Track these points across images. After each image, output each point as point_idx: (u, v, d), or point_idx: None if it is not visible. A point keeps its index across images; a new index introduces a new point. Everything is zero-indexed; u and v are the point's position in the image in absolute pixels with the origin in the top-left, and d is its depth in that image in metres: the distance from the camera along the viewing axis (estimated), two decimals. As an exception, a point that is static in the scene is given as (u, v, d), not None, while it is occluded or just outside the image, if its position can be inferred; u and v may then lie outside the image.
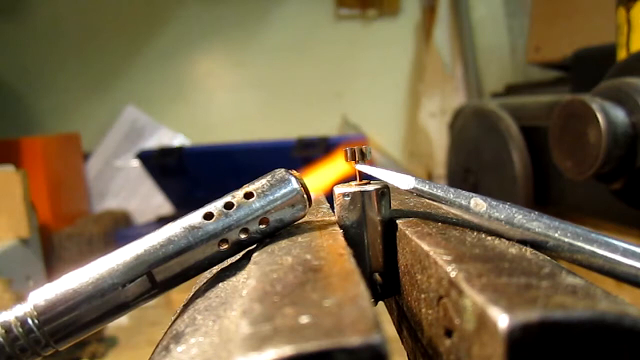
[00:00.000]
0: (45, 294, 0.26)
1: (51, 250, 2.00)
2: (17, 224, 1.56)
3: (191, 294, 0.29)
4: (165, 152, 2.06)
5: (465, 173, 1.44)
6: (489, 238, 0.22)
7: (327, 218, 0.30)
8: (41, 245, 1.76)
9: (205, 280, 0.29)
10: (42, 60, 2.58)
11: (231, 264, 0.29)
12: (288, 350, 0.10)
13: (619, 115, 0.77)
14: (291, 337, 0.11)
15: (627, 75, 0.80)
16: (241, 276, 0.26)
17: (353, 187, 0.29)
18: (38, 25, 2.57)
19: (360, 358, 0.10)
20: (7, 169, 1.58)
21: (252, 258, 0.24)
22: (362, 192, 0.28)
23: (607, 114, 0.76)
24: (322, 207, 0.33)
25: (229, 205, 0.27)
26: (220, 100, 2.71)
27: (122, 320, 1.62)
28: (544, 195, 1.20)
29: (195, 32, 2.63)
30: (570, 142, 0.85)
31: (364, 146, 0.30)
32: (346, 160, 0.30)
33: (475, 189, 1.35)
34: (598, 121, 0.76)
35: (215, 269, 0.30)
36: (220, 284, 0.26)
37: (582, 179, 0.83)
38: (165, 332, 0.24)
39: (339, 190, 0.29)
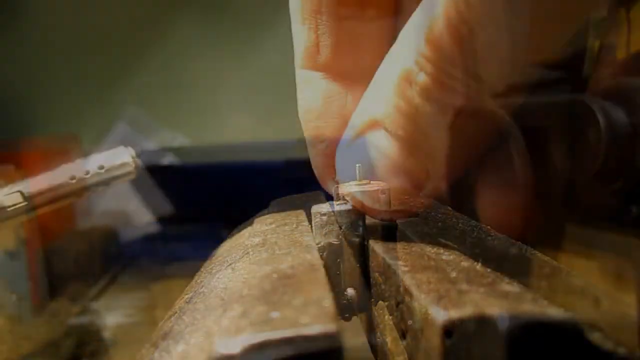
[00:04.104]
0: None
1: (39, 263, 2.00)
2: (4, 235, 1.56)
3: (185, 294, 0.29)
4: (165, 152, 2.07)
5: (465, 173, 1.44)
6: (447, 251, 0.23)
7: (304, 235, 0.31)
8: (27, 258, 1.76)
9: (194, 284, 0.30)
10: (41, 61, 2.59)
11: (216, 271, 0.30)
12: (260, 337, 0.13)
13: (619, 115, 0.77)
14: (263, 327, 0.14)
15: (627, 75, 0.80)
16: (224, 282, 0.27)
17: (329, 207, 0.30)
18: (38, 26, 2.58)
19: (318, 344, 0.13)
20: (7, 168, 1.58)
21: (234, 268, 0.27)
22: (339, 212, 0.30)
23: (607, 114, 0.76)
24: (302, 224, 0.34)
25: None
26: (220, 100, 2.71)
27: (122, 320, 1.61)
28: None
29: (196, 33, 2.64)
30: (570, 142, 0.85)
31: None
32: None
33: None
34: (598, 121, 0.76)
35: (211, 271, 0.31)
36: (205, 290, 0.27)
37: (582, 179, 0.83)
38: (158, 332, 0.25)
39: (315, 209, 0.30)
